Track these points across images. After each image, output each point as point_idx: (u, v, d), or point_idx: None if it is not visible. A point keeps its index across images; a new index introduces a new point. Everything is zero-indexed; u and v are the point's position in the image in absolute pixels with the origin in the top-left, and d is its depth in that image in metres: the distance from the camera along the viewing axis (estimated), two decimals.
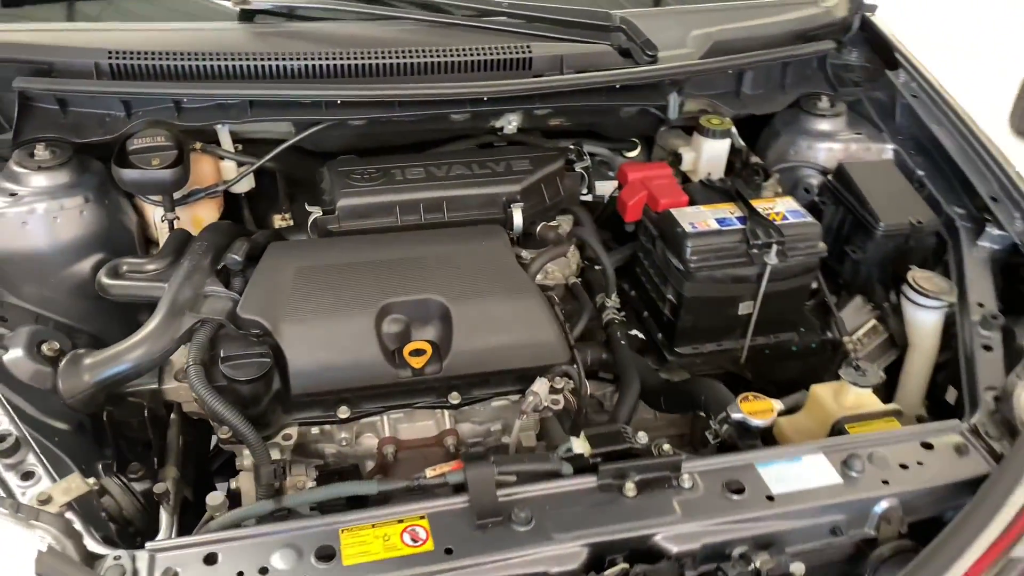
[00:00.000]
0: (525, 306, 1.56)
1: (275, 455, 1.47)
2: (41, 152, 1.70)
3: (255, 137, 1.88)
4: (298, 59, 1.76)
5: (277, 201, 1.96)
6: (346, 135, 1.88)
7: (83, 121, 1.75)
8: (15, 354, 1.50)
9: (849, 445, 1.40)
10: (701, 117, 2.02)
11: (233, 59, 1.74)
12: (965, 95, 2.14)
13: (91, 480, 1.27)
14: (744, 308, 1.77)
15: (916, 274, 1.80)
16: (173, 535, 1.41)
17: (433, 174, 1.79)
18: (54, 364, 1.49)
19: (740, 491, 1.31)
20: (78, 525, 1.20)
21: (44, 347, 1.53)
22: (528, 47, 1.85)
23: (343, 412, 1.51)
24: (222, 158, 1.83)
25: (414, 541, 1.21)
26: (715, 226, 1.73)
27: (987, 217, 1.85)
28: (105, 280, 1.61)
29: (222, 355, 1.45)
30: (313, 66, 1.77)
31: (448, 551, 1.20)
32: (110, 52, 1.71)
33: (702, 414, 1.61)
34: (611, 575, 1.21)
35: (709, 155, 2.02)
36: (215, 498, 1.35)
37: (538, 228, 1.84)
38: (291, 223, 1.94)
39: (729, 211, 1.78)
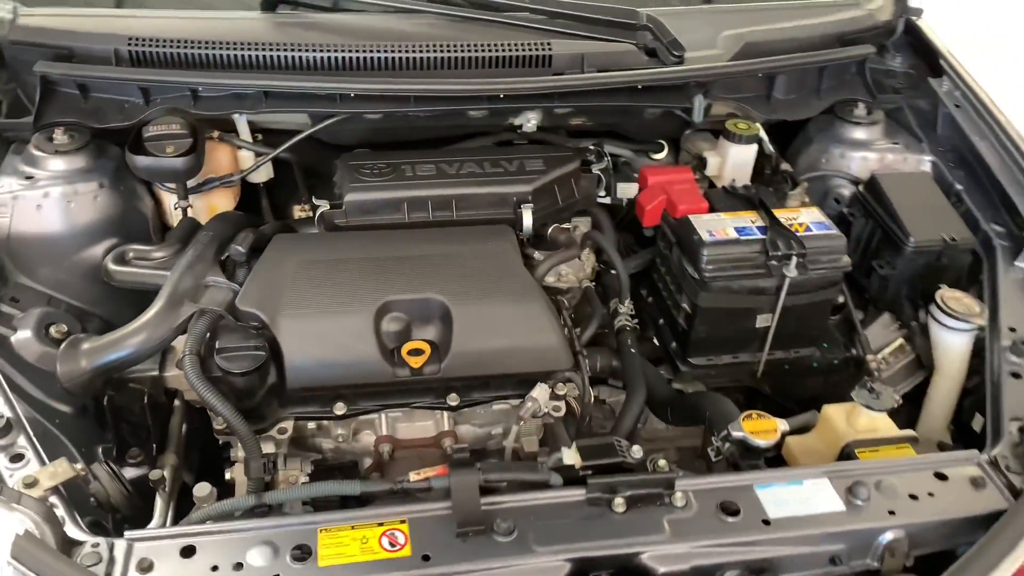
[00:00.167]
0: (528, 310, 1.53)
1: (270, 448, 1.47)
2: (60, 136, 1.72)
3: (275, 127, 1.88)
4: (314, 51, 1.75)
5: (297, 192, 1.96)
6: (362, 129, 1.87)
7: (103, 107, 1.77)
8: (23, 335, 1.52)
9: (856, 471, 1.34)
10: (728, 121, 1.96)
11: (250, 49, 1.74)
12: (1009, 101, 2.03)
13: (78, 465, 1.27)
14: (762, 321, 1.70)
15: (945, 293, 1.71)
16: (168, 523, 1.41)
17: (444, 171, 1.76)
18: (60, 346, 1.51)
19: (735, 513, 1.26)
20: (61, 510, 1.20)
21: (52, 329, 1.55)
22: (548, 44, 1.81)
23: (339, 409, 1.49)
24: (239, 147, 1.84)
25: (392, 545, 1.19)
26: (734, 235, 1.67)
27: None
28: (111, 266, 1.63)
29: (217, 346, 1.45)
30: (329, 58, 1.75)
31: (425, 557, 1.17)
32: (130, 39, 1.73)
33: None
34: None
35: (735, 160, 1.96)
36: (202, 488, 1.34)
37: (550, 230, 1.80)
38: (311, 215, 1.93)
39: (750, 220, 1.72)
